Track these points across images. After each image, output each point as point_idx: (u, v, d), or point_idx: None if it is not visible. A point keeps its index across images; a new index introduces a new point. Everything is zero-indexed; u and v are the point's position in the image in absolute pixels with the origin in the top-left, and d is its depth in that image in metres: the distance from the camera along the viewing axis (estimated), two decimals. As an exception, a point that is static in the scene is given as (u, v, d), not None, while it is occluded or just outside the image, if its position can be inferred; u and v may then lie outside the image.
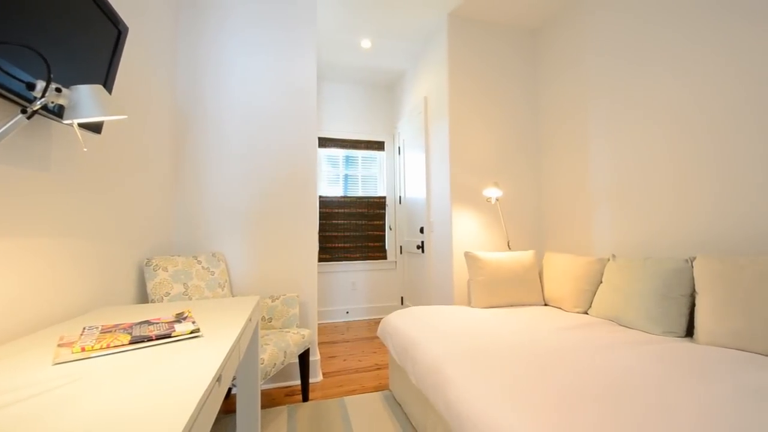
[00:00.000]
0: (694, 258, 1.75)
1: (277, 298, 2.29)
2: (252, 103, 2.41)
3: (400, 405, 2.08)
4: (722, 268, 1.57)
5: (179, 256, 2.04)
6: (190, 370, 0.76)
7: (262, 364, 1.69)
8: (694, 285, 1.72)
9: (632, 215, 2.28)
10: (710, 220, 1.85)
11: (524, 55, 3.17)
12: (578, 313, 2.18)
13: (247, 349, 1.54)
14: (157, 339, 0.96)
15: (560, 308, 2.31)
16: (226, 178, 2.35)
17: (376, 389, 2.33)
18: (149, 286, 1.84)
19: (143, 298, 1.91)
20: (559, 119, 2.91)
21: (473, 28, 3.03)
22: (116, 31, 1.42)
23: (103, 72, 1.37)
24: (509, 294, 2.39)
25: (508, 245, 2.90)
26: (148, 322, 1.10)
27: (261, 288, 2.37)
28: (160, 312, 1.32)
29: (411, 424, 1.87)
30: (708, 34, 1.87)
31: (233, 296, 2.20)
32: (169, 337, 0.98)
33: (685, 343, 1.55)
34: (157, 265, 1.89)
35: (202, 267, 2.07)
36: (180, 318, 1.15)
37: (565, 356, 1.39)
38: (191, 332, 1.01)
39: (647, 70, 2.18)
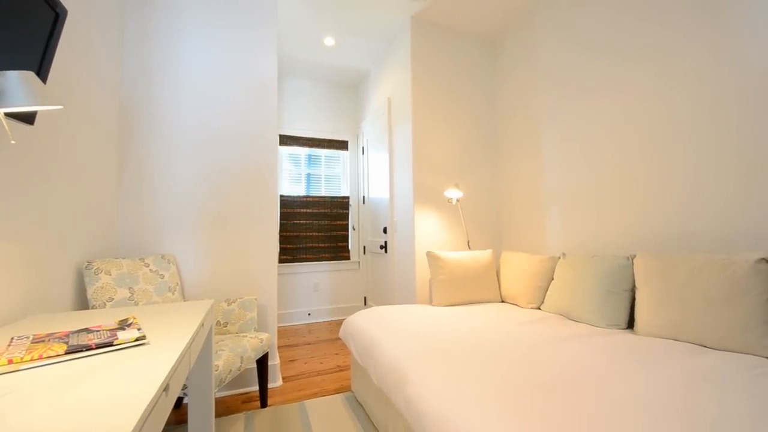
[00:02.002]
0: (635, 256, 1.89)
1: (234, 302, 2.20)
2: (207, 96, 2.30)
3: (362, 405, 2.07)
4: (659, 265, 1.71)
5: (124, 258, 1.91)
6: (134, 381, 0.71)
7: (216, 370, 1.61)
8: (634, 280, 1.86)
9: (581, 215, 2.43)
10: (651, 220, 2.01)
11: (485, 59, 3.27)
12: (532, 308, 2.28)
13: (199, 355, 1.46)
14: (98, 348, 0.89)
15: (516, 304, 2.41)
16: (178, 175, 2.22)
17: (338, 391, 2.30)
18: (90, 291, 1.70)
19: (83, 304, 1.76)
20: (515, 125, 3.03)
21: (436, 31, 3.09)
22: (53, 14, 1.30)
23: (37, 58, 1.25)
24: (469, 292, 2.46)
25: (468, 245, 2.98)
26: (87, 330, 1.02)
27: (216, 291, 2.27)
28: (101, 319, 1.23)
29: (372, 423, 1.87)
30: (651, 49, 2.03)
31: (185, 300, 2.09)
32: (111, 345, 0.91)
33: (627, 335, 1.68)
34: (98, 268, 1.75)
35: (150, 270, 1.94)
36: (124, 325, 1.07)
37: (520, 351, 1.44)
38: (136, 340, 0.95)
39: (597, 75, 2.33)
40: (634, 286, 1.87)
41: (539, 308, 2.28)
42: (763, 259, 1.40)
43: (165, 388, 0.74)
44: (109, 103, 1.98)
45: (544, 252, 2.73)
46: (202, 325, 1.24)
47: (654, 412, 0.94)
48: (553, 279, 2.28)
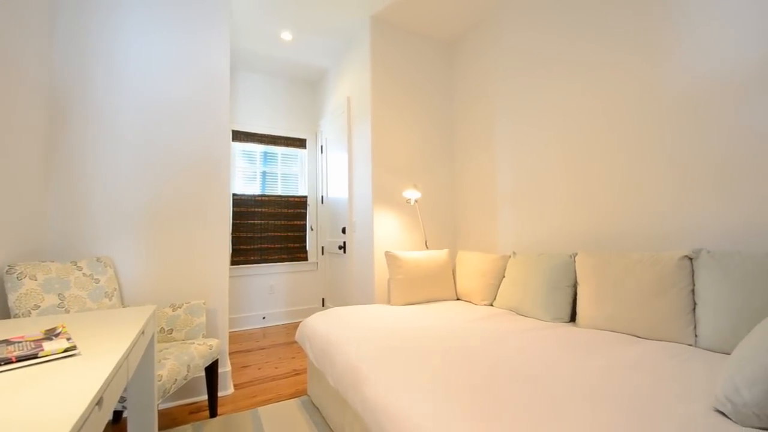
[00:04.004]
0: (576, 254, 2.02)
1: (180, 307, 2.07)
2: (151, 87, 2.15)
3: (318, 409, 2.03)
4: (597, 262, 1.84)
5: (53, 261, 1.73)
6: (61, 396, 0.65)
7: (159, 380, 1.51)
8: (576, 277, 1.99)
9: (529, 216, 2.56)
10: (591, 220, 2.16)
11: (443, 60, 3.35)
12: (485, 305, 2.37)
13: (140, 365, 1.36)
14: (19, 361, 0.80)
15: (470, 302, 2.49)
16: (116, 171, 2.05)
17: (294, 396, 2.25)
18: (11, 298, 1.53)
19: (4, 313, 1.58)
20: (471, 127, 3.14)
21: (395, 32, 3.11)
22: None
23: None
24: (425, 291, 2.51)
25: (426, 244, 3.03)
26: (7, 342, 0.91)
27: (160, 296, 2.12)
28: (25, 328, 1.10)
29: (329, 426, 1.84)
30: (602, 50, 2.18)
31: (125, 307, 1.94)
32: (36, 357, 0.82)
33: (570, 327, 1.79)
34: (22, 272, 1.57)
35: (84, 274, 1.78)
36: (51, 334, 0.97)
37: (473, 346, 1.49)
38: (65, 351, 0.86)
39: (544, 83, 2.47)
40: (576, 282, 2.00)
41: (491, 305, 2.38)
42: (686, 256, 1.56)
43: (98, 402, 0.68)
44: (34, 93, 1.79)
45: (497, 251, 2.85)
46: (143, 332, 1.15)
47: (585, 396, 1.02)
48: (504, 277, 2.38)
